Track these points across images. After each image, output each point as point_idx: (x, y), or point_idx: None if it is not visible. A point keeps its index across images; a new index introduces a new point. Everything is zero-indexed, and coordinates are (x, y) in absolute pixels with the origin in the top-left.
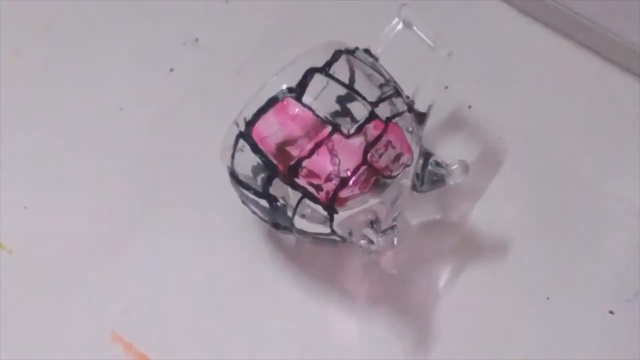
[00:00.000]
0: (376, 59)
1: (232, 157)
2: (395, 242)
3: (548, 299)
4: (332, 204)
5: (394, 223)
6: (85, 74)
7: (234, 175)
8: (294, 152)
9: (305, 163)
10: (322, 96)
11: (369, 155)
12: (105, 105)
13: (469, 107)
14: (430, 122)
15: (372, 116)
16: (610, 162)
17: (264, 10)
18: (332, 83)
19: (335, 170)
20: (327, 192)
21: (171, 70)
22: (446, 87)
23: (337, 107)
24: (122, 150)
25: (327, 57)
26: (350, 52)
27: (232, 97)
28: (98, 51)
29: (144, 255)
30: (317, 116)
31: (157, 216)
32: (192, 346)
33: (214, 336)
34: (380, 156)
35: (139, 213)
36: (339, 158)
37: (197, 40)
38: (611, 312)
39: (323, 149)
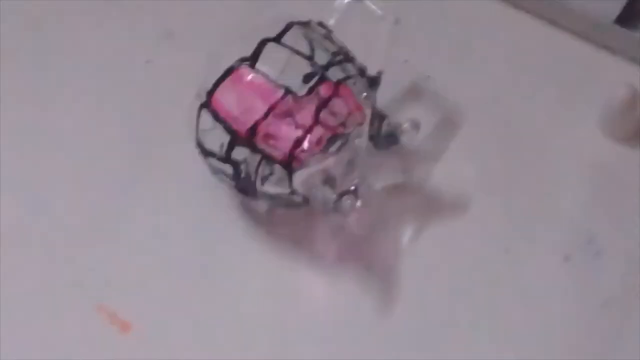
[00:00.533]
0: (329, 31)
1: (197, 127)
2: (359, 204)
3: (506, 251)
4: (289, 164)
5: (355, 186)
6: (63, 67)
7: (200, 144)
8: (251, 116)
9: (261, 126)
10: (287, 72)
11: (321, 115)
12: (83, 96)
13: (428, 76)
14: (390, 93)
15: (322, 78)
16: (561, 120)
17: (237, 3)
18: (294, 58)
19: (290, 131)
20: (284, 153)
21: (147, 62)
22: (406, 61)
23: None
24: (102, 141)
25: (279, 28)
26: (303, 23)
27: None
28: (75, 44)
29: (125, 230)
30: (270, 81)
31: (136, 195)
32: (172, 311)
33: (192, 301)
34: (332, 115)
35: (121, 192)
36: (293, 119)
37: (172, 32)
38: (567, 259)
39: (277, 112)
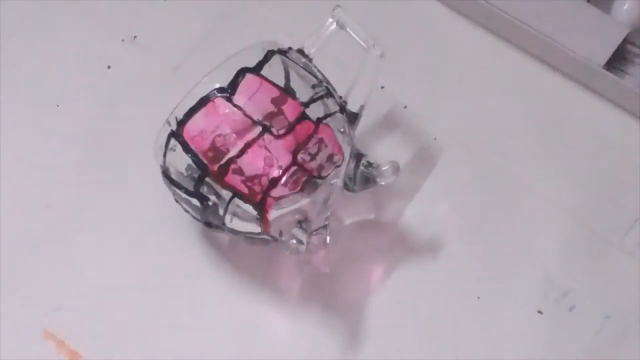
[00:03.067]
0: (310, 59)
1: (164, 156)
2: (328, 241)
3: (478, 298)
4: (262, 204)
5: (326, 222)
6: (23, 70)
7: (166, 174)
8: (224, 152)
9: (235, 163)
10: (256, 97)
11: (299, 156)
12: (42, 101)
13: (405, 107)
14: (365, 122)
15: (302, 117)
16: (540, 162)
17: (202, 9)
18: (266, 84)
19: (266, 171)
20: (258, 192)
21: (109, 67)
22: (382, 87)
23: (272, 108)
24: (59, 147)
25: (259, 57)
26: (283, 52)
27: (169, 94)
28: (35, 47)
29: (77, 252)
30: (248, 116)
31: (92, 213)
32: (125, 344)
33: (147, 334)
34: (310, 156)
35: (74, 209)
36: (270, 158)
37: (135, 37)
38: (540, 312)
39: (253, 149)
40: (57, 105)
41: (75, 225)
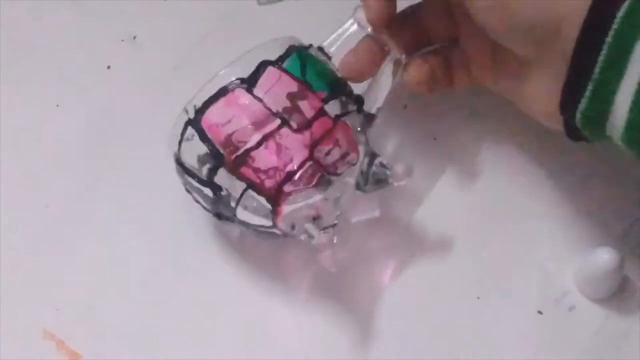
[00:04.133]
0: (329, 58)
1: (180, 144)
2: (335, 240)
3: (478, 298)
4: (276, 197)
5: (336, 221)
6: (22, 70)
7: (179, 162)
8: (242, 143)
9: (251, 154)
10: (275, 90)
11: (315, 151)
12: (42, 102)
13: (405, 107)
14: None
15: (321, 112)
16: (545, 164)
17: (202, 8)
18: (285, 77)
19: (281, 164)
20: (272, 185)
21: (108, 67)
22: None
23: (287, 103)
24: (59, 147)
25: (280, 51)
26: (304, 49)
27: (168, 94)
28: (34, 47)
29: (77, 252)
30: (267, 109)
31: (92, 213)
32: (128, 344)
33: (150, 332)
34: (326, 153)
35: (74, 210)
36: (286, 152)
37: (135, 37)
38: (540, 312)
39: (270, 142)
40: (57, 105)
41: (75, 226)
